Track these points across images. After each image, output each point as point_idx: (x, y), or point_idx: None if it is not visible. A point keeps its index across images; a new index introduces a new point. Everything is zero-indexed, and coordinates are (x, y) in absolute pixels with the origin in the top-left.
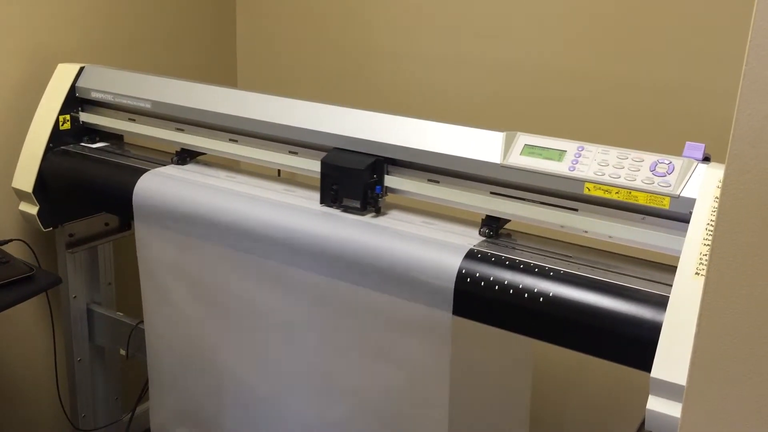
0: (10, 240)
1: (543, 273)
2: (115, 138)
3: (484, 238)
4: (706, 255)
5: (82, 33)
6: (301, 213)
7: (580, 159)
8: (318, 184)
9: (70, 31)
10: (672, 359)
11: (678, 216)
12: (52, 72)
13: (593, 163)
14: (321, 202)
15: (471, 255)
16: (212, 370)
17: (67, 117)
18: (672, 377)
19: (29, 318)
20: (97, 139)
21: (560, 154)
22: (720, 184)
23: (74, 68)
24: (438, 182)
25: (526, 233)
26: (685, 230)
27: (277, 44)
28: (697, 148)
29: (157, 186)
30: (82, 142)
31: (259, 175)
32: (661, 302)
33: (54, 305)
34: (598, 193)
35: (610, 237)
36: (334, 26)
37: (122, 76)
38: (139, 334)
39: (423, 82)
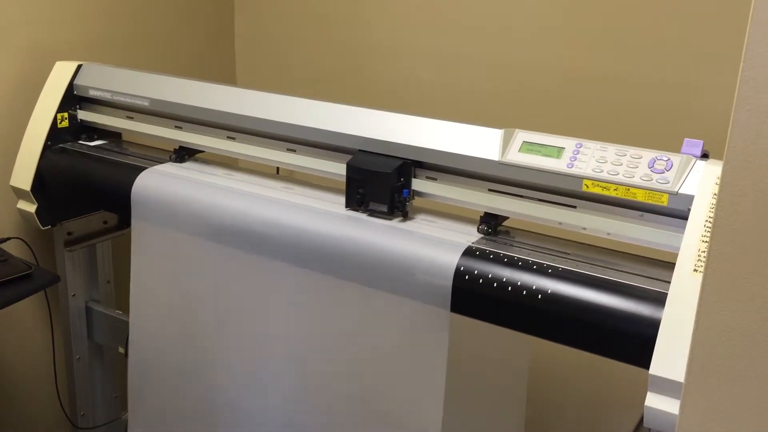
0: (9, 238)
1: (541, 270)
2: (113, 136)
3: (482, 236)
4: (704, 252)
5: (80, 31)
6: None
7: (578, 156)
8: (319, 183)
9: (68, 28)
10: (670, 356)
11: (676, 213)
12: (50, 70)
13: (591, 160)
14: (347, 206)
15: (469, 252)
16: (200, 370)
17: (65, 115)
18: (670, 374)
19: (28, 316)
20: (96, 137)
21: (559, 151)
22: (718, 181)
23: (72, 66)
24: (435, 179)
25: (524, 230)
26: (684, 227)
27: (275, 42)
28: (695, 145)
29: (156, 184)
30: (81, 140)
31: (258, 172)
32: (659, 299)
33: (52, 303)
34: (597, 190)
35: (608, 234)
36: (333, 24)
37: (120, 74)
38: None
39: (421, 79)
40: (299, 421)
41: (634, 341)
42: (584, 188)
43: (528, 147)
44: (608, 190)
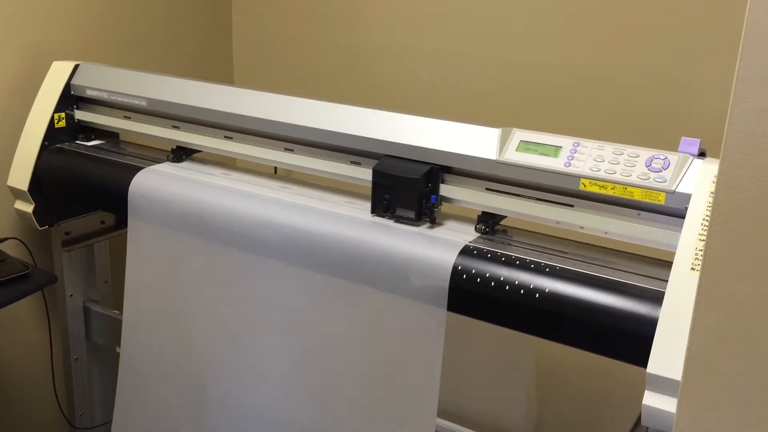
0: (6, 239)
1: (539, 269)
2: (110, 136)
3: (479, 235)
4: (701, 250)
5: (78, 30)
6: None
7: (575, 155)
8: (317, 183)
9: (65, 28)
10: (668, 354)
11: (674, 211)
12: (47, 70)
13: (589, 158)
14: (372, 212)
15: (466, 251)
16: (194, 369)
17: (63, 115)
18: (668, 373)
19: (25, 317)
20: (93, 136)
21: (556, 150)
22: (715, 179)
23: (69, 66)
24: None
25: (522, 229)
26: (681, 226)
27: (273, 41)
28: (692, 144)
29: (153, 183)
30: (78, 140)
31: (255, 172)
32: (657, 298)
33: (50, 304)
34: (594, 189)
35: (605, 233)
36: (330, 23)
37: (118, 74)
38: None
39: (419, 78)
40: (292, 420)
41: (631, 340)
42: (581, 187)
43: (525, 146)
44: (605, 189)
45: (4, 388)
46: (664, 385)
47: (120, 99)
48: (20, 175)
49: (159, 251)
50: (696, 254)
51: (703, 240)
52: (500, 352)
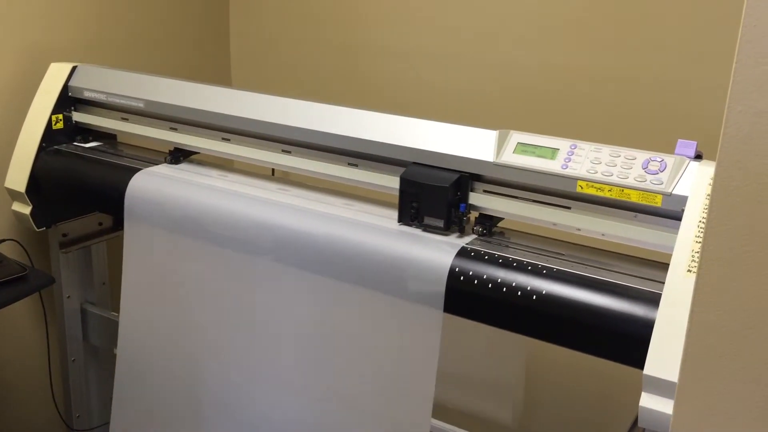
0: (3, 240)
1: (536, 271)
2: (108, 137)
3: (476, 236)
4: (698, 252)
5: (75, 32)
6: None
7: (572, 157)
8: (315, 184)
9: (63, 30)
10: (665, 356)
11: (670, 213)
12: (45, 71)
13: (586, 161)
14: (399, 221)
15: (463, 253)
16: (191, 371)
17: (60, 116)
18: (665, 374)
19: (23, 318)
20: (90, 138)
21: (553, 152)
22: (711, 182)
23: (67, 67)
24: None
25: (519, 231)
26: (678, 228)
27: (270, 42)
28: (689, 146)
29: (150, 185)
30: (75, 141)
31: (253, 174)
32: (653, 299)
33: (47, 305)
34: (591, 191)
35: (602, 235)
36: (328, 24)
37: (115, 76)
38: None
39: (416, 80)
40: (288, 420)
41: (628, 342)
42: (578, 189)
43: (522, 148)
44: (602, 191)
45: (1, 390)
46: (660, 387)
47: (117, 101)
48: (17, 177)
49: (156, 253)
50: (692, 256)
51: (700, 242)
52: (492, 341)
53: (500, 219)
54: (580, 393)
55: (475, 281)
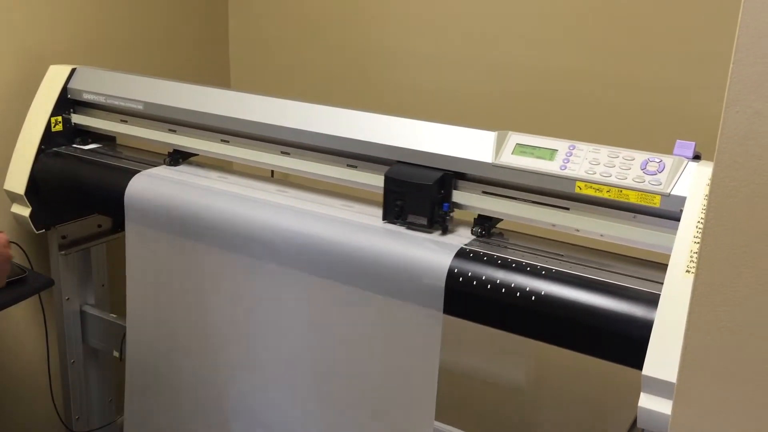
0: None
1: (535, 272)
2: (107, 139)
3: (475, 237)
4: (696, 253)
5: (74, 34)
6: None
7: (571, 158)
8: (313, 186)
9: (62, 32)
10: (663, 357)
11: (669, 214)
12: (44, 74)
13: (584, 161)
14: (384, 219)
15: (462, 254)
16: (196, 372)
17: (59, 119)
18: (663, 375)
19: (22, 320)
20: (90, 140)
21: (552, 153)
22: (709, 182)
23: (66, 70)
24: None
25: (518, 232)
26: (676, 228)
27: (269, 44)
28: (687, 147)
29: (149, 187)
30: (74, 143)
31: (252, 175)
32: (652, 300)
33: (47, 307)
34: (590, 192)
35: (601, 235)
36: (327, 26)
37: (114, 78)
38: None
39: (415, 81)
40: (289, 420)
41: (627, 342)
42: (577, 190)
43: (521, 149)
44: (601, 191)
45: (0, 392)
46: (659, 387)
47: (117, 103)
48: (17, 179)
49: (156, 255)
50: (691, 257)
51: (698, 242)
52: None
53: (499, 220)
54: (579, 393)
55: (474, 282)
